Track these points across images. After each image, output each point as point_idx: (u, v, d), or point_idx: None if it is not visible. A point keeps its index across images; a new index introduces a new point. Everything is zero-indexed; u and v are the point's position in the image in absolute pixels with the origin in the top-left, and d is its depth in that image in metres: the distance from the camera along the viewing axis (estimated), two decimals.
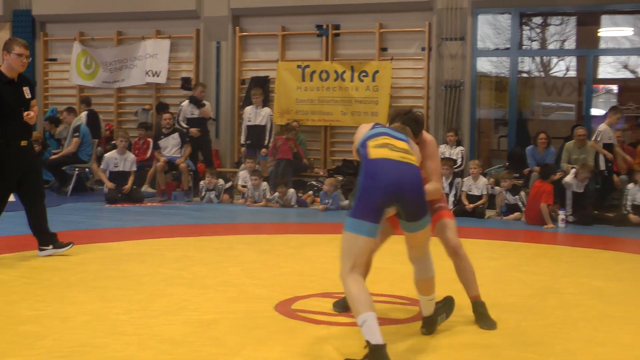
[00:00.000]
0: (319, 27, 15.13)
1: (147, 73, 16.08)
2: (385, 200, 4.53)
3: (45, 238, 7.79)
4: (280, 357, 4.67)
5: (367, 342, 4.26)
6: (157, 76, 16.06)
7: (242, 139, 14.35)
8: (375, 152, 4.66)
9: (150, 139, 14.81)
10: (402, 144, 4.76)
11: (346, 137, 15.01)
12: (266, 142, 14.02)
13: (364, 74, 14.62)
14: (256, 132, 14.04)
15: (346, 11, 14.96)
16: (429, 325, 5.22)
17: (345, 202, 12.61)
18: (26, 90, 7.56)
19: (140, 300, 6.02)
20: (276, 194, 12.88)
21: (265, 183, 13.08)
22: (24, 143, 7.47)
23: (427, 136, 5.49)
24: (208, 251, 8.41)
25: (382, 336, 4.29)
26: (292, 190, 12.97)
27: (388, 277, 7.17)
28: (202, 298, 6.16)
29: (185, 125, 13.92)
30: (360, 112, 14.64)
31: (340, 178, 13.67)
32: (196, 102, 14.06)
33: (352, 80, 14.73)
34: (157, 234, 9.56)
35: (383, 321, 5.49)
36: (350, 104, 14.72)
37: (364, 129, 4.98)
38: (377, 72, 14.53)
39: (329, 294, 6.33)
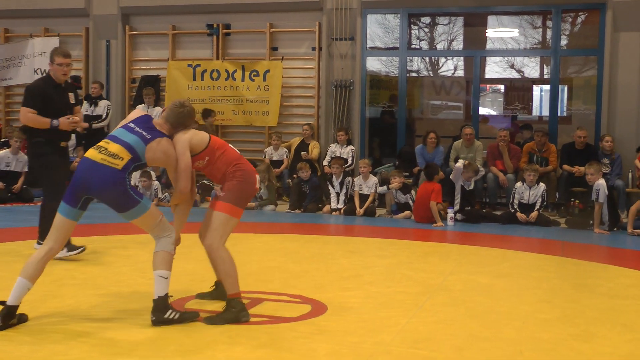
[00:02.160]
0: (210, 26, 15.09)
1: (35, 71, 15.70)
2: (77, 191, 5.35)
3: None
4: (173, 356, 4.70)
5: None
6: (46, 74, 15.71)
7: None
8: (88, 152, 5.47)
9: None
10: (115, 147, 5.38)
11: (238, 136, 15.04)
12: None
13: (254, 73, 14.67)
14: None
15: (237, 10, 14.97)
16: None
17: None
18: (71, 96, 7.92)
19: (32, 300, 5.93)
20: (166, 194, 12.80)
21: (157, 183, 12.99)
22: (63, 144, 7.89)
23: (178, 135, 5.70)
24: (100, 251, 8.32)
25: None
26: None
27: (280, 275, 7.27)
28: (95, 298, 6.13)
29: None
30: (252, 111, 14.68)
31: None
32: (90, 99, 13.86)
33: (243, 80, 14.75)
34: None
35: (275, 319, 5.60)
36: (241, 103, 14.75)
37: (128, 118, 5.70)
38: (267, 71, 14.60)
39: None
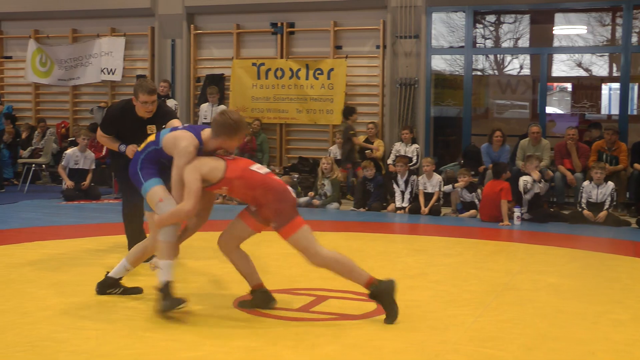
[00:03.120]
0: (274, 25, 15.11)
1: (102, 71, 15.98)
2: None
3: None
4: (239, 354, 4.70)
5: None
6: (113, 74, 15.96)
7: None
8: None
9: None
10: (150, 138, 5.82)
11: (302, 134, 15.05)
12: None
13: (318, 71, 14.65)
14: None
15: (301, 9, 14.97)
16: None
17: (302, 199, 12.62)
18: (152, 128, 7.20)
19: (97, 296, 6.01)
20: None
21: None
22: None
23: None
24: (186, 244, 8.34)
25: None
26: None
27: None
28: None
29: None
30: (316, 109, 14.67)
31: (296, 175, 13.70)
32: (159, 98, 13.92)
33: (307, 78, 14.74)
34: (114, 231, 9.44)
35: (340, 317, 5.55)
36: (305, 101, 14.73)
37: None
38: (332, 70, 14.57)
39: (286, 290, 6.38)
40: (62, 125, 16.40)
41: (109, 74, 15.98)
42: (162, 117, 7.25)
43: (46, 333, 4.97)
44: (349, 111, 13.61)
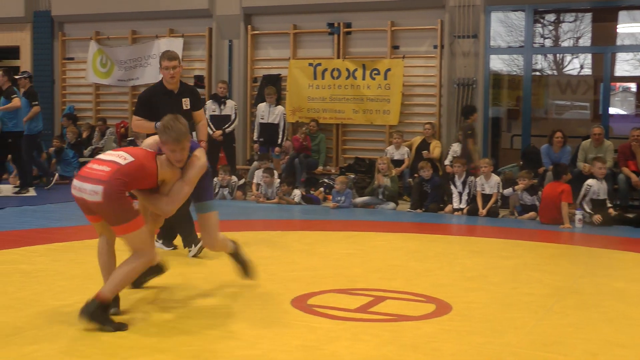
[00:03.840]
0: (331, 25, 15.09)
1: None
2: None
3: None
4: (297, 352, 4.67)
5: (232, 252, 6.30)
6: None
7: (255, 136, 14.32)
8: None
9: None
10: None
11: (358, 135, 15.01)
12: (279, 140, 13.98)
13: (375, 72, 14.58)
14: (269, 130, 13.99)
15: (358, 9, 14.92)
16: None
17: (358, 200, 12.57)
18: (185, 102, 7.67)
19: (157, 292, 6.03)
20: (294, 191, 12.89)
21: (278, 180, 13.07)
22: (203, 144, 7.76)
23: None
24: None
25: None
26: (297, 191, 12.93)
27: (403, 274, 7.16)
28: (218, 293, 6.19)
29: (211, 125, 13.79)
30: (372, 110, 14.60)
31: (352, 176, 13.65)
32: (218, 99, 14.00)
33: (363, 78, 14.68)
34: None
35: (398, 317, 5.49)
36: (362, 102, 14.68)
37: None
38: (388, 70, 14.49)
39: (344, 290, 6.33)
40: (122, 125, 16.61)
41: None
42: (191, 92, 7.84)
43: None
44: (469, 110, 13.39)
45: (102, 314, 4.99)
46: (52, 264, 7.31)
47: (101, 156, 5.24)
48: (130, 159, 5.14)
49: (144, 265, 5.21)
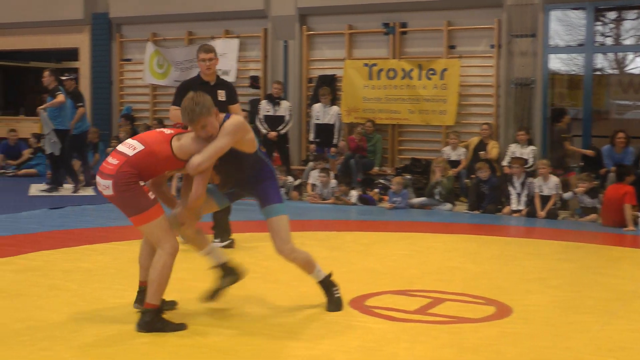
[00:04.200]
0: (386, 25, 15.01)
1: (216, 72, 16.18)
2: None
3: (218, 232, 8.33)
4: (356, 352, 4.65)
5: (323, 279, 5.72)
6: (227, 75, 16.12)
7: (311, 137, 14.33)
8: None
9: None
10: None
11: (414, 135, 14.91)
12: (335, 140, 13.96)
13: (431, 72, 14.47)
14: (325, 131, 13.99)
15: (413, 9, 14.82)
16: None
17: (415, 200, 12.49)
18: (221, 94, 7.78)
19: (230, 294, 6.04)
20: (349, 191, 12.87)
21: (334, 180, 13.05)
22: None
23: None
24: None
25: None
26: (353, 192, 12.89)
27: (461, 275, 7.09)
28: (277, 292, 6.18)
29: (265, 125, 13.85)
30: (428, 110, 14.50)
31: (408, 176, 13.57)
32: (272, 99, 14.03)
33: (419, 79, 14.58)
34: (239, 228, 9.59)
35: (457, 320, 5.43)
36: (418, 102, 14.58)
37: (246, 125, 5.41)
38: (445, 70, 14.37)
39: (402, 292, 6.29)
40: (178, 125, 16.71)
41: (223, 75, 16.13)
42: (227, 85, 8.05)
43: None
44: (559, 113, 13.19)
45: (158, 320, 5.01)
46: (113, 262, 7.40)
47: (117, 148, 5.21)
48: (139, 147, 5.09)
49: (170, 255, 5.07)
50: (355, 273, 7.04)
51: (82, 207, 11.44)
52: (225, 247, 8.10)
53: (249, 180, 5.48)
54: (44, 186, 13.54)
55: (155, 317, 5.00)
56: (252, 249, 8.13)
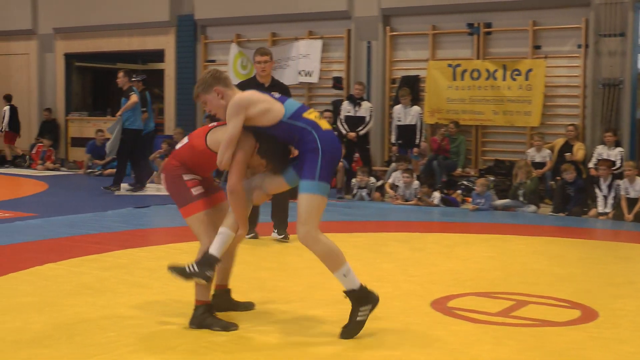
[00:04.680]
0: (470, 25, 14.87)
1: (299, 73, 16.29)
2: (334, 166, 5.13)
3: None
4: (438, 354, 4.62)
5: (351, 290, 4.94)
6: (310, 76, 16.24)
7: (393, 139, 14.30)
8: (323, 123, 5.07)
9: None
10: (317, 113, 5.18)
11: (498, 136, 14.74)
12: (417, 141, 13.91)
13: (516, 72, 14.29)
14: (407, 132, 13.95)
15: (498, 9, 14.65)
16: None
17: (498, 202, 12.35)
18: (275, 95, 7.89)
19: (299, 291, 6.09)
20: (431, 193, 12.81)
21: (417, 182, 12.99)
22: None
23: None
24: (361, 247, 8.39)
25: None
26: (436, 194, 12.80)
27: (545, 278, 6.97)
28: None
29: (345, 126, 13.90)
30: (513, 111, 14.31)
31: (492, 178, 13.42)
32: (353, 100, 14.05)
33: (504, 79, 14.41)
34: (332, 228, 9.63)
35: (542, 323, 5.34)
36: (502, 103, 14.41)
37: (256, 95, 5.15)
38: (530, 70, 14.16)
39: (485, 294, 6.22)
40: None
41: (306, 76, 16.28)
42: (281, 87, 8.35)
43: (249, 326, 5.12)
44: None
45: (208, 317, 5.07)
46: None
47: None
48: (184, 141, 5.27)
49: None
50: (437, 275, 7.00)
51: (166, 206, 11.63)
52: (250, 237, 8.43)
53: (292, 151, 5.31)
54: (128, 186, 13.80)
55: (205, 314, 5.07)
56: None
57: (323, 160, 4.93)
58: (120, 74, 13.63)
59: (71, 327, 5.07)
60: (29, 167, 18.58)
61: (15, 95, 20.09)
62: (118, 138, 13.49)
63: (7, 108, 19.34)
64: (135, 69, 18.85)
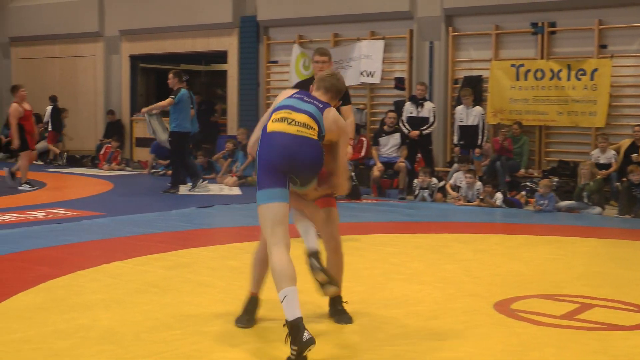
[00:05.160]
0: (534, 24, 14.71)
1: (361, 73, 16.29)
2: (283, 169, 4.75)
3: None
4: (500, 356, 4.60)
5: (286, 320, 4.45)
6: (372, 76, 16.23)
7: (455, 140, 14.22)
8: (272, 125, 4.86)
9: (364, 138, 15.27)
10: (302, 117, 4.86)
11: (562, 137, 14.55)
12: (479, 141, 13.81)
13: (581, 72, 14.09)
14: (469, 132, 13.86)
15: (563, 8, 14.46)
16: None
17: (562, 204, 12.20)
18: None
19: (360, 292, 6.11)
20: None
21: (479, 183, 12.90)
22: None
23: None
24: (424, 248, 8.39)
25: (299, 310, 4.45)
26: (499, 194, 12.69)
27: (611, 281, 6.88)
28: (421, 294, 6.19)
29: (407, 127, 13.89)
30: (578, 111, 14.12)
31: (556, 179, 13.26)
32: (415, 100, 14.03)
33: (568, 79, 14.23)
34: (372, 230, 9.67)
35: (607, 326, 5.28)
36: (566, 103, 14.22)
37: (281, 97, 5.15)
38: (595, 70, 13.96)
39: (549, 296, 6.17)
40: None
41: (368, 76, 16.27)
42: None
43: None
44: None
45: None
46: None
47: None
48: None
49: (258, 250, 5.29)
50: (500, 276, 6.95)
51: (229, 206, 11.75)
52: None
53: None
54: (188, 186, 13.90)
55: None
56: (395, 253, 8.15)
57: (259, 166, 4.83)
58: (171, 75, 13.74)
59: (137, 324, 5.18)
60: (95, 167, 18.97)
61: (80, 96, 20.49)
62: (158, 128, 13.64)
63: (49, 108, 19.69)
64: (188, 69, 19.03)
